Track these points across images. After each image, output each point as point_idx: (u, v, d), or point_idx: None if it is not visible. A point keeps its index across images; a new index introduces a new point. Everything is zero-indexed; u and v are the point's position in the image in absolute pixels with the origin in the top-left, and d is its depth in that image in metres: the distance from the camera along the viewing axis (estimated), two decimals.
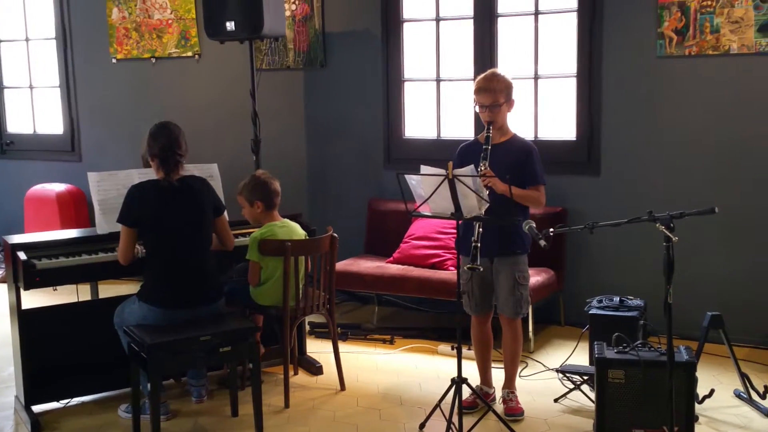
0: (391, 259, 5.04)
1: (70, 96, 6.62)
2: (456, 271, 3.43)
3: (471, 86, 3.64)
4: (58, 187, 6.44)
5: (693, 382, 3.29)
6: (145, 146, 3.60)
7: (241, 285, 3.96)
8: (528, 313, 4.34)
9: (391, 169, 5.37)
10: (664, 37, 4.59)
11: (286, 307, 3.82)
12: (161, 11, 6.14)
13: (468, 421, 3.45)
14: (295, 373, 4.23)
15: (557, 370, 4.03)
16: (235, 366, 3.82)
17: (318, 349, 4.56)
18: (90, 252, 3.74)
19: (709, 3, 4.46)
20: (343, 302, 5.50)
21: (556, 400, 3.83)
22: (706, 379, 3.90)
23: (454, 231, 4.45)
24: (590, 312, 3.99)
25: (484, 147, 3.54)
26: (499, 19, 5.09)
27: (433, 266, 4.82)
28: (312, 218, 5.36)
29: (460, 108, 5.32)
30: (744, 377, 3.76)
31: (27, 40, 6.84)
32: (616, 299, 4.03)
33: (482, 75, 3.68)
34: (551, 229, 3.24)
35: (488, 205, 3.29)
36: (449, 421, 3.35)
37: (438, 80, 5.36)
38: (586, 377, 3.83)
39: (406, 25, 5.41)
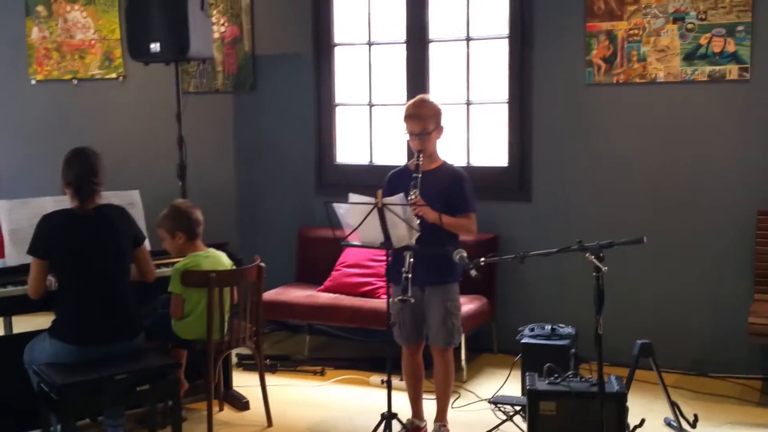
0: (323, 287, 4.92)
1: None
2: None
3: (403, 111, 3.57)
4: None
5: (624, 412, 3.26)
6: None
7: (163, 318, 3.78)
8: (461, 342, 4.28)
9: (322, 195, 5.26)
10: (592, 64, 4.63)
11: (210, 342, 3.66)
12: (84, 31, 5.93)
13: None
14: (221, 409, 4.07)
15: (490, 401, 3.97)
16: (154, 404, 3.63)
17: (246, 382, 4.39)
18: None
19: (636, 32, 4.52)
20: (273, 332, 5.35)
21: None
22: (637, 407, 3.88)
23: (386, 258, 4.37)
24: (522, 341, 3.97)
25: (414, 175, 3.47)
26: (431, 45, 5.07)
27: (364, 294, 4.72)
28: (242, 246, 5.21)
29: (393, 133, 5.26)
30: (674, 406, 3.76)
31: None
32: (548, 327, 4.02)
33: (411, 101, 3.63)
34: (482, 259, 3.18)
35: (419, 234, 3.22)
36: None
37: (370, 105, 5.29)
38: (518, 408, 3.78)
39: (337, 49, 5.34)
